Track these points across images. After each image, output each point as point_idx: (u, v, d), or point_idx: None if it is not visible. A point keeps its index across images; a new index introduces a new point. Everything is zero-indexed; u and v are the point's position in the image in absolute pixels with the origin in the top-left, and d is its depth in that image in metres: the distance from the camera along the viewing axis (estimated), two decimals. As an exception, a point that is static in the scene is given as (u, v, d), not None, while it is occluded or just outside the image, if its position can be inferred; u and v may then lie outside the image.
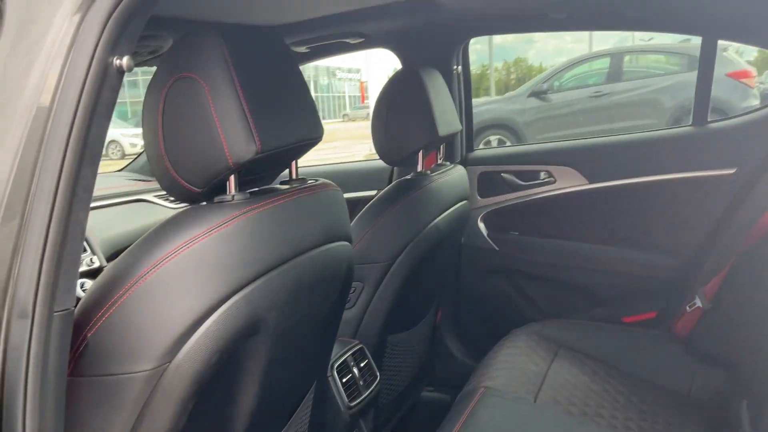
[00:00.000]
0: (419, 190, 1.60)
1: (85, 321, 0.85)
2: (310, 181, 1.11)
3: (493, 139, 8.88)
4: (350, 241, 1.19)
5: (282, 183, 1.09)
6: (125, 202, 2.15)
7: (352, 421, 1.44)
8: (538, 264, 2.07)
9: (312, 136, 1.05)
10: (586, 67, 9.49)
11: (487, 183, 2.17)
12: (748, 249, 1.56)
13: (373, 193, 2.14)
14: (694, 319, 1.66)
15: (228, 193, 0.94)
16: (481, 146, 7.46)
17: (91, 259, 1.75)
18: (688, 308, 1.69)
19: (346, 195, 2.25)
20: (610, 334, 1.76)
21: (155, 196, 2.20)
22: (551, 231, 2.09)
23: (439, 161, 1.83)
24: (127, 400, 0.84)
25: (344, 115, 60.96)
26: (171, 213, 1.02)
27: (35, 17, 0.80)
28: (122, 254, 0.90)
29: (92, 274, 1.69)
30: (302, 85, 1.05)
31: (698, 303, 1.66)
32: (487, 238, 2.11)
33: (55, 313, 0.77)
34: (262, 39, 0.98)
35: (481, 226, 2.12)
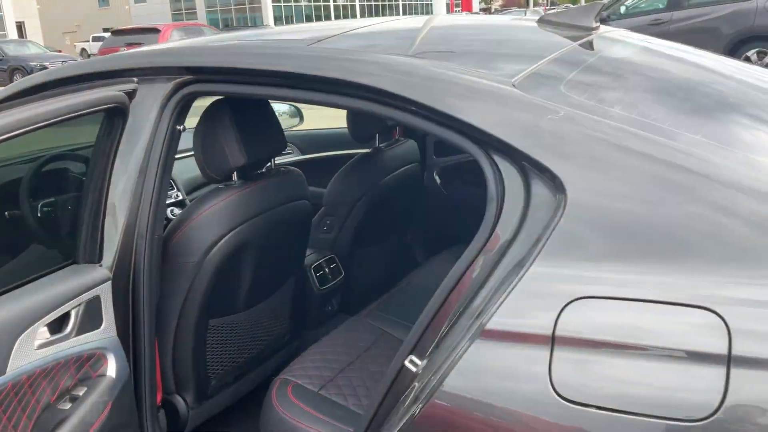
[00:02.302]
0: (372, 158, 2.48)
1: (173, 232, 1.82)
2: (282, 170, 2.03)
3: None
4: (307, 200, 2.11)
5: (267, 169, 2.01)
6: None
7: (323, 299, 2.42)
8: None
9: (278, 149, 1.96)
10: (647, -7, 9.72)
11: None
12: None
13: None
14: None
15: (233, 179, 1.87)
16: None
17: (177, 194, 2.76)
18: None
19: (339, 152, 3.12)
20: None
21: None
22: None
23: (397, 137, 2.69)
24: (185, 276, 1.81)
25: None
26: None
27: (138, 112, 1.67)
28: (189, 204, 1.87)
29: (177, 204, 2.70)
30: (273, 119, 1.94)
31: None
32: (439, 185, 2.95)
33: (156, 235, 1.74)
34: (250, 105, 1.85)
35: (436, 177, 2.97)
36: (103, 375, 1.44)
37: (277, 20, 49.51)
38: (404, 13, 60.98)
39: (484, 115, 1.22)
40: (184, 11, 52.78)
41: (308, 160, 3.22)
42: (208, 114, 1.75)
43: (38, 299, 1.30)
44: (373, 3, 58.84)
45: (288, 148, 3.32)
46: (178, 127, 1.62)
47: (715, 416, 0.95)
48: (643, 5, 9.98)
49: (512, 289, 1.10)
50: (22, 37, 34.84)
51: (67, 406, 1.34)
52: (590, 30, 1.68)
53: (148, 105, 1.58)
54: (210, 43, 1.73)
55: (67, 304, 1.35)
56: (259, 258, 1.88)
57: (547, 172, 1.15)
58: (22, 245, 1.74)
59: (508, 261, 1.14)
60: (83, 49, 40.74)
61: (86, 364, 1.41)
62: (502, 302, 1.10)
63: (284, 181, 1.96)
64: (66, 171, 1.85)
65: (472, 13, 55.38)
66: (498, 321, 1.09)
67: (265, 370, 2.12)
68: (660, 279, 1.04)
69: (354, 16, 56.40)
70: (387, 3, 60.41)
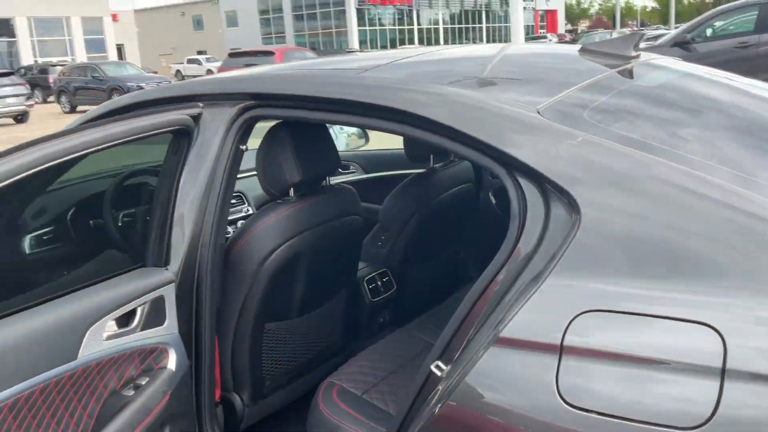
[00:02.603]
0: (426, 178, 2.58)
1: (234, 243, 1.98)
2: (336, 187, 2.16)
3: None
4: (359, 215, 2.23)
5: (322, 187, 2.15)
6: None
7: (375, 310, 2.54)
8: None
9: (332, 168, 2.10)
10: (733, 16, 9.44)
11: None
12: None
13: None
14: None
15: (289, 195, 2.02)
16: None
17: (246, 209, 2.96)
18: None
19: (399, 172, 3.23)
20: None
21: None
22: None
23: (452, 158, 2.79)
24: (244, 283, 1.96)
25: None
26: None
27: (207, 133, 1.86)
28: (248, 218, 2.04)
29: (247, 218, 2.88)
30: (329, 141, 2.08)
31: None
32: (494, 205, 3.01)
33: (218, 245, 1.90)
34: (308, 128, 2.00)
35: (491, 197, 3.04)
36: (164, 367, 1.60)
37: (362, 44, 50.50)
38: (488, 36, 60.97)
39: (509, 140, 1.32)
40: (273, 35, 54.63)
41: (370, 179, 3.36)
42: (268, 135, 1.91)
43: (108, 296, 1.48)
44: (456, 26, 59.18)
45: (352, 167, 3.48)
46: (241, 147, 1.78)
47: (709, 424, 1.01)
48: (732, 27, 9.70)
49: (527, 300, 1.18)
50: (122, 59, 36.95)
51: (131, 392, 1.51)
52: (629, 59, 1.74)
53: (215, 126, 1.75)
54: (270, 71, 1.89)
55: (134, 302, 1.52)
56: (311, 268, 2.02)
57: (564, 194, 1.23)
58: (101, 249, 1.94)
59: (526, 274, 1.23)
60: (178, 71, 42.70)
61: (149, 357, 1.58)
62: (517, 312, 1.18)
63: (337, 197, 2.09)
64: (144, 185, 2.05)
65: (557, 34, 54.78)
66: (512, 329, 1.18)
67: (318, 375, 2.25)
68: (664, 295, 1.10)
69: (437, 40, 56.86)
70: (470, 26, 60.57)
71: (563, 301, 1.16)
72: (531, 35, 64.40)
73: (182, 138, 1.58)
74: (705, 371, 1.03)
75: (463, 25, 58.94)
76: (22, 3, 33.77)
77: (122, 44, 42.54)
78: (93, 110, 2.04)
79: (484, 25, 60.15)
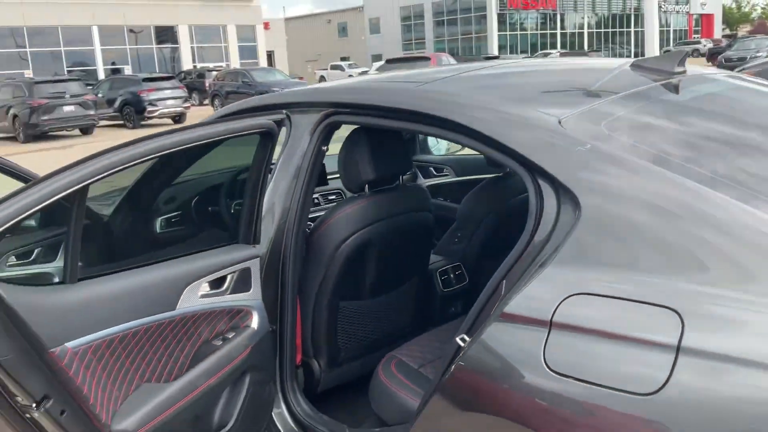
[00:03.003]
0: (502, 181, 2.77)
1: (315, 229, 2.30)
2: (408, 185, 2.43)
3: None
4: (430, 211, 2.48)
5: (395, 185, 2.41)
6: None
7: (446, 300, 2.78)
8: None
9: (404, 168, 2.37)
10: None
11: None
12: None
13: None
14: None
15: (365, 191, 2.31)
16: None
17: None
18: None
19: (486, 175, 3.44)
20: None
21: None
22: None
23: None
24: (322, 264, 2.27)
25: (665, 51, 57.47)
26: None
27: (296, 135, 2.22)
28: (329, 209, 2.37)
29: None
30: (400, 144, 2.36)
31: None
32: None
33: (301, 230, 2.22)
34: (381, 133, 2.29)
35: None
36: (248, 326, 1.94)
37: (502, 49, 50.23)
38: (635, 41, 58.43)
39: (530, 145, 1.54)
40: (413, 41, 55.61)
41: (460, 181, 3.61)
42: (348, 139, 2.23)
43: (204, 263, 1.84)
44: (602, 31, 57.30)
45: (446, 170, 3.74)
46: (323, 148, 2.10)
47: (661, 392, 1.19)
48: None
49: (530, 283, 1.40)
50: (271, 65, 39.17)
51: (219, 343, 1.86)
52: (672, 74, 1.89)
53: (302, 130, 2.08)
54: (347, 83, 2.21)
55: (224, 270, 1.88)
56: (382, 255, 2.31)
57: (569, 193, 1.44)
58: (211, 229, 2.34)
59: (536, 263, 1.44)
60: (322, 76, 44.60)
61: (236, 316, 1.93)
62: (520, 292, 1.41)
63: (408, 194, 2.37)
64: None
65: (713, 39, 51.62)
66: (513, 306, 1.41)
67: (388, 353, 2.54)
68: (639, 281, 1.29)
69: (582, 44, 55.32)
70: (617, 30, 58.38)
71: (557, 285, 1.37)
72: (683, 40, 61.17)
73: (266, 139, 1.92)
74: (663, 347, 1.21)
75: (609, 30, 57.02)
76: (184, 12, 36.75)
77: (272, 51, 45.03)
78: (216, 112, 2.45)
79: (632, 29, 57.80)
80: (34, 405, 1.43)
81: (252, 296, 1.97)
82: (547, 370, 1.32)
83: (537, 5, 52.80)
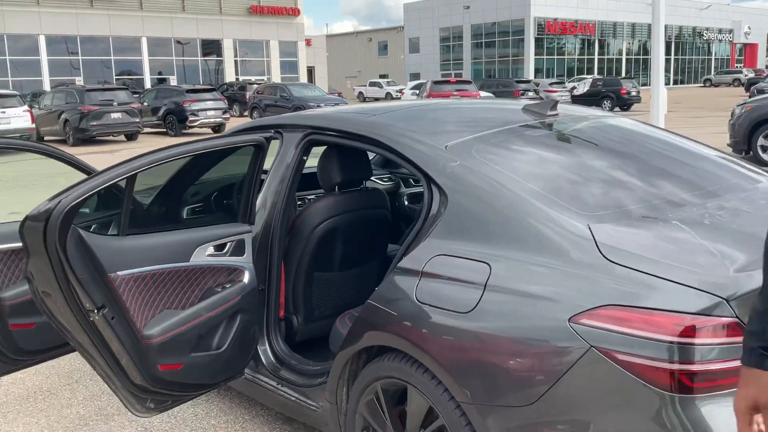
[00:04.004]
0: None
1: (297, 216, 3.13)
2: (370, 188, 3.22)
3: None
4: (386, 209, 3.26)
5: (360, 188, 3.21)
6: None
7: None
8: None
9: (366, 175, 3.16)
10: None
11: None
12: None
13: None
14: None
15: (335, 191, 3.10)
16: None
17: None
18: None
19: None
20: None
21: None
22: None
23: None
24: (301, 242, 3.01)
25: (706, 80, 57.67)
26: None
27: (285, 148, 3.04)
28: (309, 202, 3.17)
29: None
30: (363, 157, 3.17)
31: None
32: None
33: (286, 216, 3.04)
34: (348, 149, 3.11)
35: None
36: (241, 281, 2.75)
37: (538, 72, 50.85)
38: (675, 69, 58.24)
39: (424, 160, 2.33)
40: (451, 61, 56.40)
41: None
42: (324, 152, 3.04)
43: (212, 233, 2.65)
44: (641, 57, 57.44)
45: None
46: (303, 158, 2.92)
47: (473, 311, 1.96)
48: None
49: (416, 248, 2.19)
50: (311, 81, 40.40)
51: (219, 289, 2.67)
52: (544, 116, 2.67)
53: (290, 144, 2.90)
54: (322, 112, 3.03)
55: (225, 238, 2.70)
56: (346, 238, 3.11)
57: (443, 192, 2.23)
58: (223, 213, 3.18)
59: (420, 236, 2.23)
60: (360, 92, 45.60)
61: (233, 273, 2.73)
62: (408, 254, 2.20)
63: (369, 195, 3.16)
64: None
65: (755, 70, 51.45)
66: (404, 262, 2.20)
67: None
68: (476, 248, 2.06)
69: (619, 70, 55.55)
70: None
71: (429, 248, 2.16)
72: (724, 69, 60.93)
73: (258, 150, 2.73)
74: (477, 284, 1.98)
75: (649, 57, 57.19)
76: (230, 27, 38.24)
77: (313, 66, 46.23)
78: (234, 127, 3.30)
79: (672, 57, 57.92)
80: (96, 310, 2.25)
81: (245, 260, 2.78)
82: (415, 300, 2.11)
83: (576, 30, 53.31)
